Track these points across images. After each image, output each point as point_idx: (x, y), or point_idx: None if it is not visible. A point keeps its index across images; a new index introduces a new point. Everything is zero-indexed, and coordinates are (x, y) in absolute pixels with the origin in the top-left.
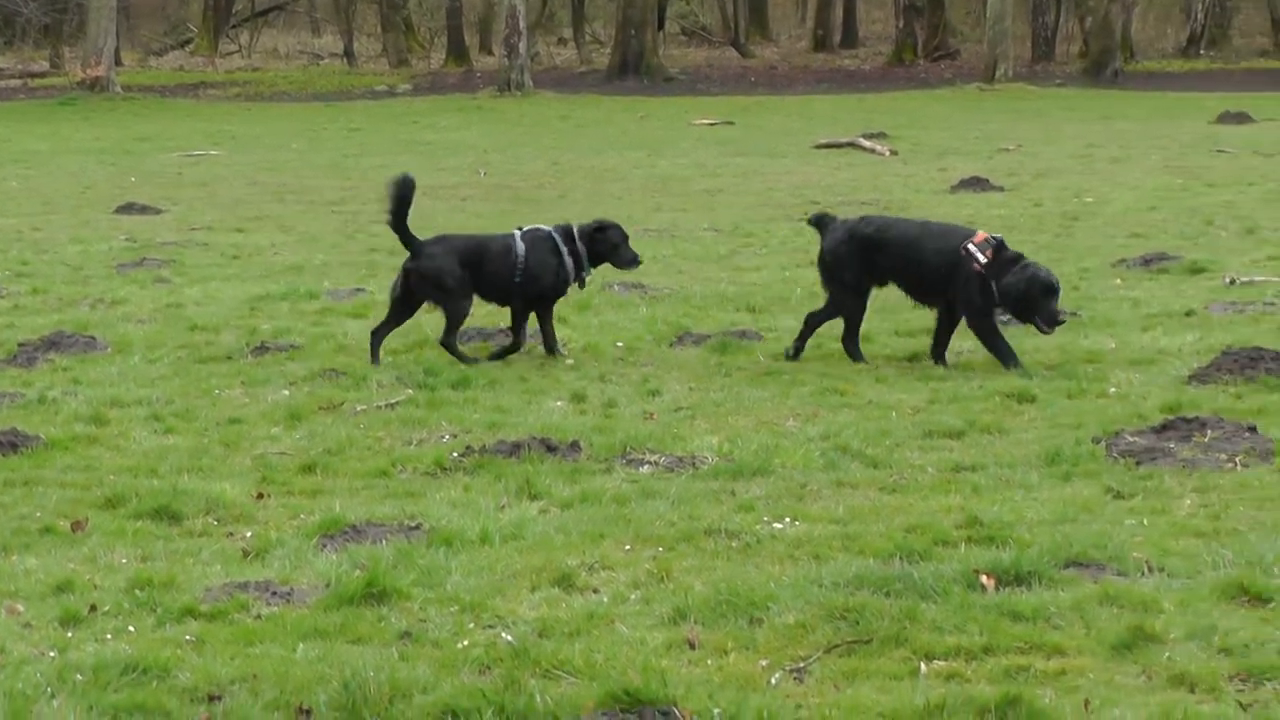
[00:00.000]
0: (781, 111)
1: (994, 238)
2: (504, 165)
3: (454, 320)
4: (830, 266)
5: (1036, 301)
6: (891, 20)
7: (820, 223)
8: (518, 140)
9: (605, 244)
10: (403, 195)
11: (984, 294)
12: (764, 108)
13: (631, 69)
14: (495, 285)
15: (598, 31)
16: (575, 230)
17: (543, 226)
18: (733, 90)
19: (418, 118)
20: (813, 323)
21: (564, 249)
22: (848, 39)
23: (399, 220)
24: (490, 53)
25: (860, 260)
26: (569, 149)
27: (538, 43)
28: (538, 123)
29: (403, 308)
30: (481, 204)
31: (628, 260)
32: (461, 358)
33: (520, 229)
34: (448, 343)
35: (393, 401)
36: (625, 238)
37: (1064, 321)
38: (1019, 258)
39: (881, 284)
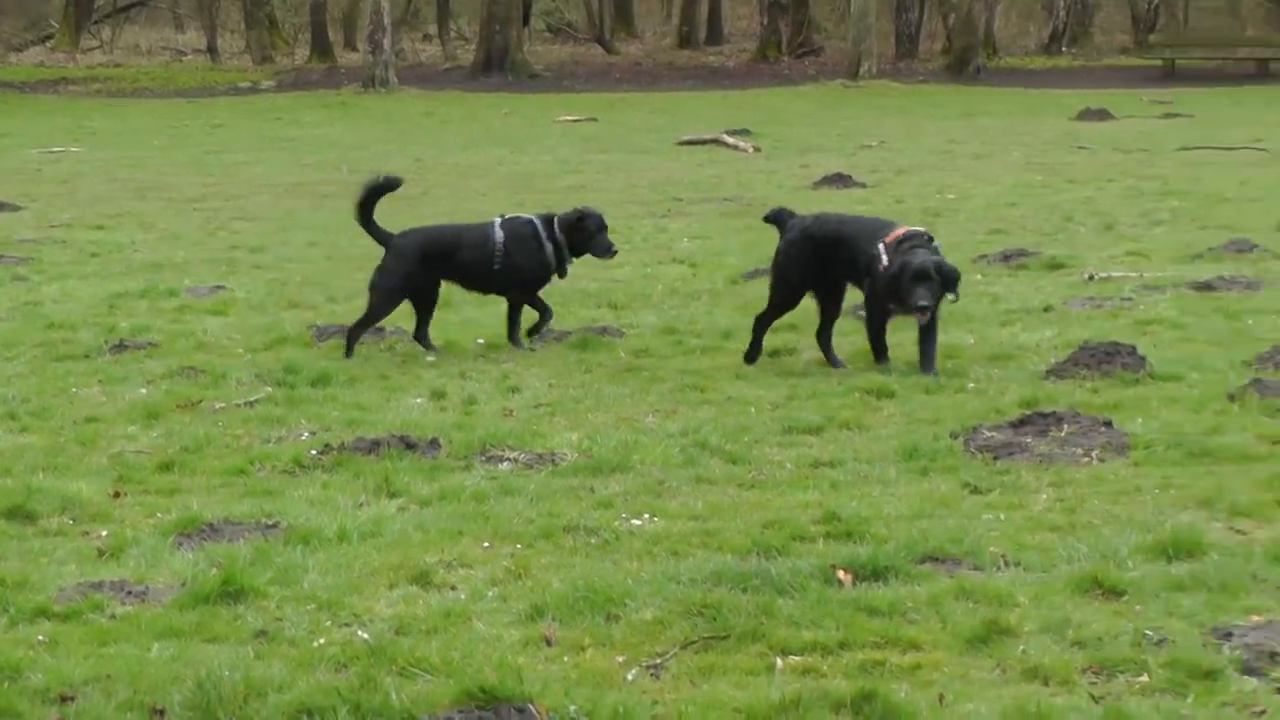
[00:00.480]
0: (646, 108)
1: (912, 232)
2: (367, 162)
3: (370, 316)
4: (779, 264)
5: (904, 286)
6: (756, 17)
7: (777, 219)
8: (381, 137)
9: (584, 232)
10: (373, 193)
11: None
12: (628, 104)
13: (496, 65)
14: (472, 274)
15: (463, 28)
16: (556, 220)
17: (523, 215)
18: (598, 87)
19: (281, 114)
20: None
21: (544, 236)
22: (713, 36)
23: (364, 216)
24: (354, 49)
25: (813, 259)
26: (433, 146)
27: (402, 39)
28: (402, 119)
29: (420, 300)
30: (344, 201)
31: (604, 248)
32: (348, 350)
33: (501, 217)
34: (352, 333)
35: (251, 399)
36: (603, 226)
37: (925, 307)
38: (913, 249)
39: (832, 282)
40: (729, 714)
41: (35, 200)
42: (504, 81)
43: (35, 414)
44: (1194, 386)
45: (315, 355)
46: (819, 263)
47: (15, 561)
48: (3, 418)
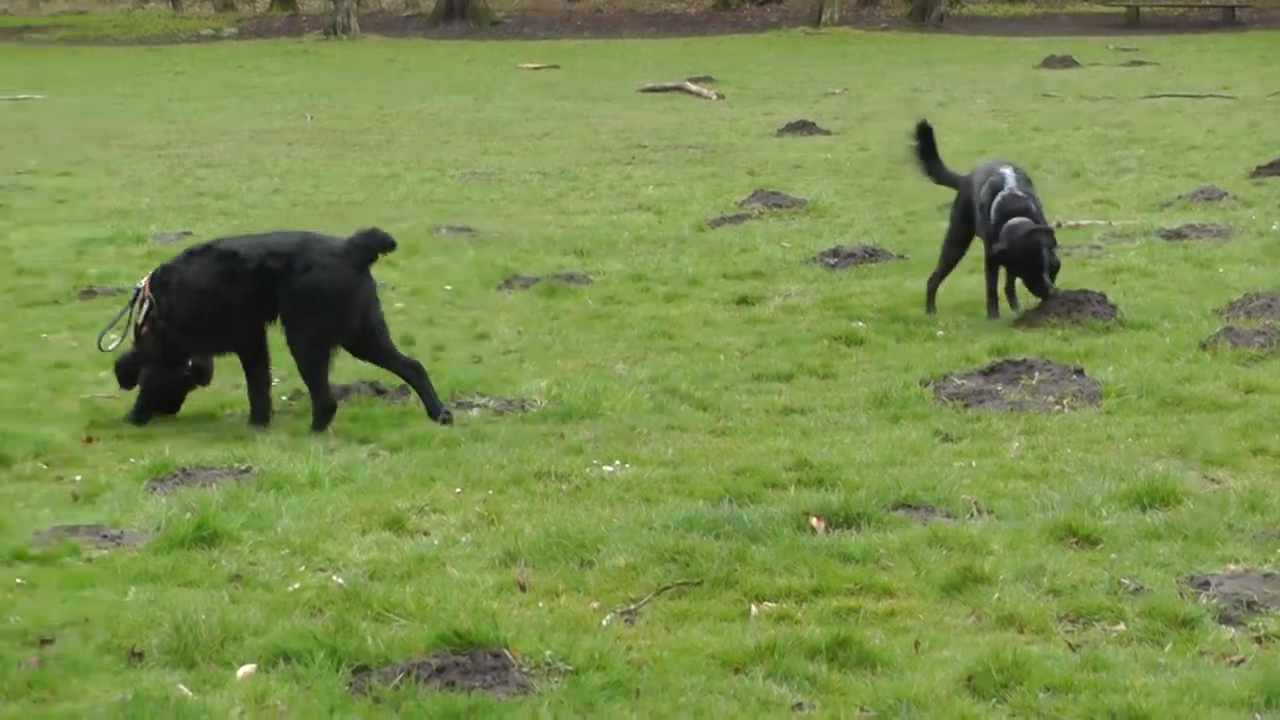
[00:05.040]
0: (608, 55)
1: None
2: (330, 110)
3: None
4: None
5: None
6: None
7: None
8: (343, 84)
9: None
10: (926, 139)
11: None
12: (590, 52)
13: (458, 13)
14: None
15: None
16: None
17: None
18: (559, 34)
19: (243, 62)
20: None
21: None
22: None
23: (930, 165)
24: None
25: None
26: (395, 93)
27: None
28: (363, 67)
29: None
30: (307, 148)
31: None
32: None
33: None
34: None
35: None
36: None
37: None
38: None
39: None
40: (704, 660)
41: (0, 147)
42: (465, 29)
43: (6, 359)
44: (1165, 335)
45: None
46: None
47: None
48: None
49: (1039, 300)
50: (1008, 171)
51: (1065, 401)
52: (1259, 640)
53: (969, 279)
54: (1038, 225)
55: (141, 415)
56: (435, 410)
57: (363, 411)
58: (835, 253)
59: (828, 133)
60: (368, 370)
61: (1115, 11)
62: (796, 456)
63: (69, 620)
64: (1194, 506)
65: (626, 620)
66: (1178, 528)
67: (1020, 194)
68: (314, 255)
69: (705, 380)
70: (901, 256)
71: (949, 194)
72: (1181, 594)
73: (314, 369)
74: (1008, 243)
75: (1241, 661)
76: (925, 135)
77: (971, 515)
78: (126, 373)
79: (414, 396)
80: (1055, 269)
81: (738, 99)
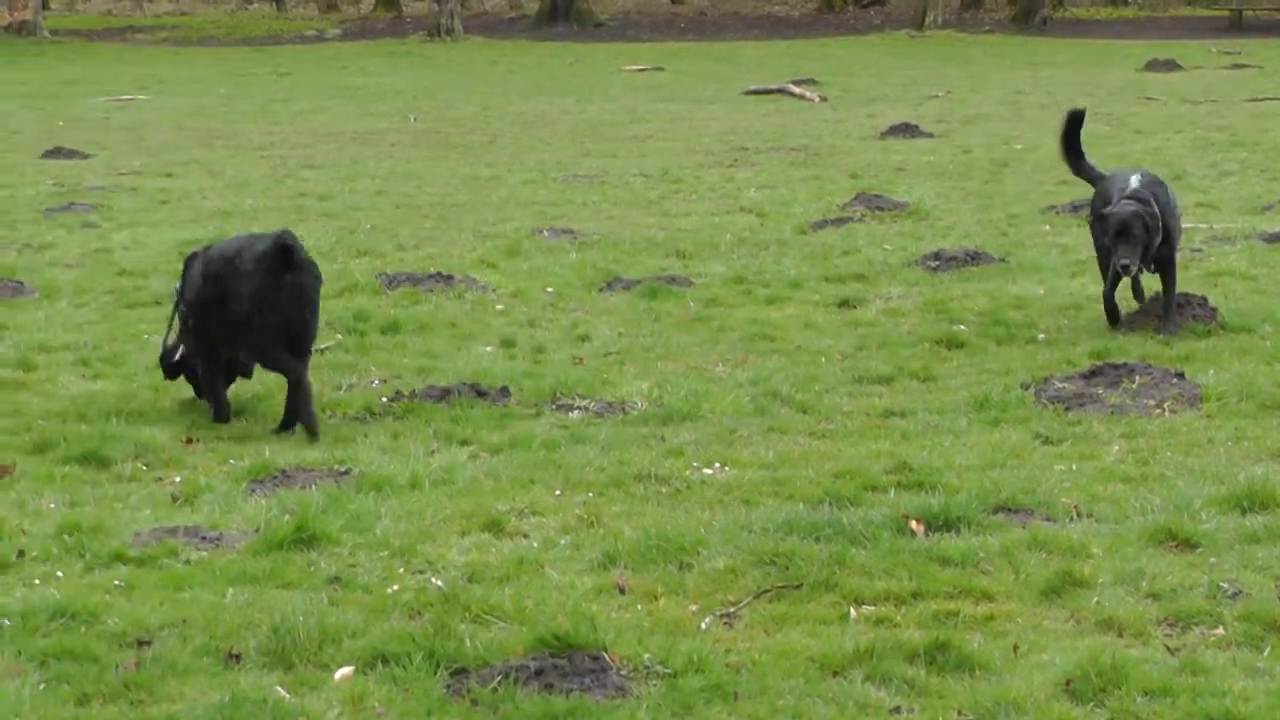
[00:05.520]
0: (711, 58)
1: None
2: (433, 111)
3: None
4: None
5: None
6: None
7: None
8: (447, 86)
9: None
10: (1074, 127)
11: None
12: (693, 54)
13: (561, 15)
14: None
15: None
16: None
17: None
18: (662, 36)
19: (346, 63)
20: None
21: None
22: None
23: (1072, 156)
24: None
25: None
26: (498, 95)
27: None
28: (467, 68)
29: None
30: (411, 150)
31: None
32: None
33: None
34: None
35: (322, 347)
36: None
37: None
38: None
39: None
40: (803, 663)
41: (104, 148)
42: (569, 31)
43: (107, 361)
44: (1266, 338)
45: (385, 303)
46: None
47: (91, 507)
48: (76, 364)
49: (1147, 302)
50: (1134, 177)
51: (1165, 405)
52: None
53: (1070, 283)
54: (1144, 203)
55: (219, 410)
56: (303, 422)
57: (463, 413)
58: (937, 256)
59: (930, 135)
60: (468, 371)
61: (1218, 15)
62: (896, 459)
63: (167, 622)
64: None
65: (725, 623)
66: (1277, 531)
67: (1141, 190)
68: (242, 262)
69: (806, 383)
70: (1003, 260)
71: (1052, 197)
72: None
73: (271, 362)
74: (1113, 207)
75: None
76: (1074, 123)
77: (1071, 519)
78: (167, 364)
79: (514, 398)
80: (1157, 255)
81: (841, 101)
